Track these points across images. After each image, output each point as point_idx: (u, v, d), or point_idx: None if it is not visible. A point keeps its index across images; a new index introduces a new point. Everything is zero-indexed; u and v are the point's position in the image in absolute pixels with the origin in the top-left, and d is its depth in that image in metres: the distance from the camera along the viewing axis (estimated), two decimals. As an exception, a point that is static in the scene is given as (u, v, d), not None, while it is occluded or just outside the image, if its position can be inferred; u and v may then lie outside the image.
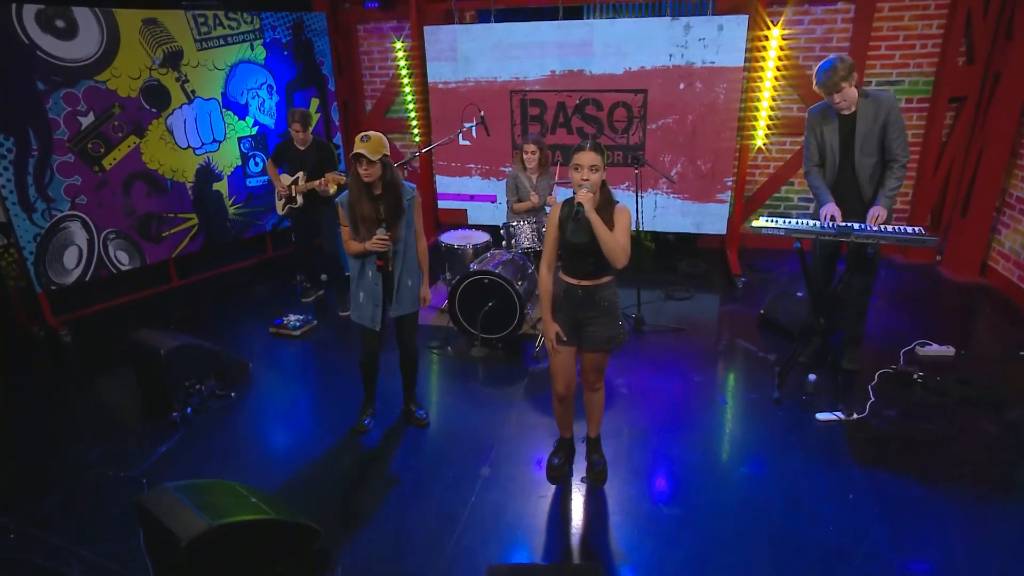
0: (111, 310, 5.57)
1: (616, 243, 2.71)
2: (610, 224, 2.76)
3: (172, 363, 3.87)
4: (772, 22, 5.53)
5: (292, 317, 5.16)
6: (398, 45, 6.64)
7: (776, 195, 6.54)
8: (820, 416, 3.70)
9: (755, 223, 3.75)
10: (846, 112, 3.67)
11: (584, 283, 2.90)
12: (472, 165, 6.66)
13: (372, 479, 3.38)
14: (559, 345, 3.00)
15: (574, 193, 2.76)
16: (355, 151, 3.13)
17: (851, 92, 3.57)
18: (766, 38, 5.56)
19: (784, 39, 5.72)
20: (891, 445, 3.48)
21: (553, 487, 3.26)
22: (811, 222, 3.70)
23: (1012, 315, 5.04)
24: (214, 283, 6.23)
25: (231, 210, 6.20)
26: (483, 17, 6.49)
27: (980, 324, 5.04)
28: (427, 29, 6.26)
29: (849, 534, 2.84)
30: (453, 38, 6.18)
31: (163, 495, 2.49)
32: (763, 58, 5.65)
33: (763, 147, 6.17)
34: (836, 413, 3.69)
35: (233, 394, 4.19)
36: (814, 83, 3.66)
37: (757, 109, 5.87)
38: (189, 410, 3.95)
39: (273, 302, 5.70)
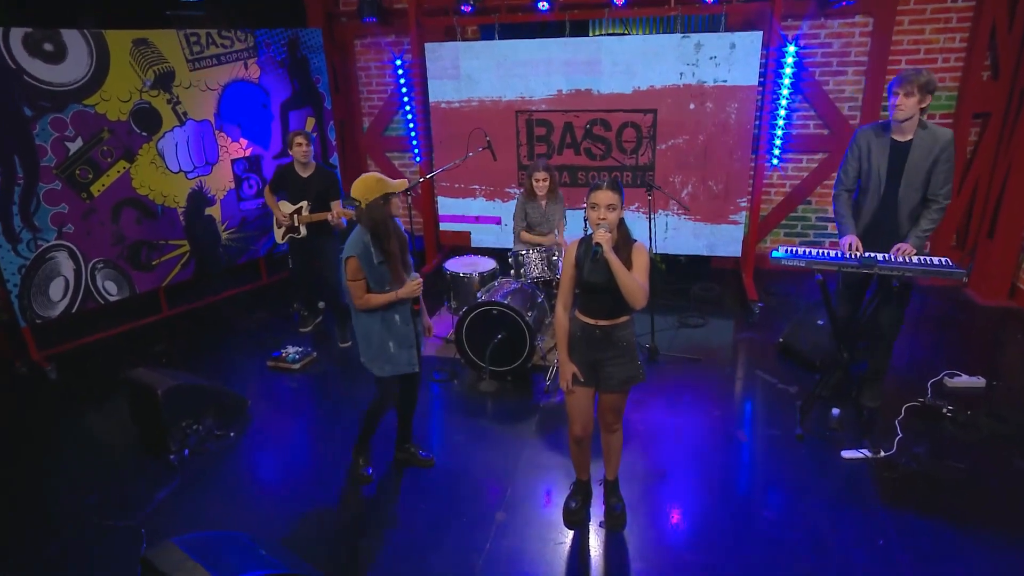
0: (98, 343, 5.66)
1: (636, 284, 2.82)
2: (628, 264, 2.87)
3: (169, 403, 3.97)
4: (787, 37, 5.69)
5: (291, 349, 5.25)
6: (398, 63, 6.80)
7: (792, 215, 6.67)
8: (845, 454, 3.79)
9: (775, 254, 3.85)
10: (899, 138, 3.70)
11: (602, 323, 3.00)
12: (476, 186, 6.80)
13: (380, 524, 3.46)
14: (575, 386, 3.10)
15: (587, 229, 2.88)
16: (389, 192, 3.26)
17: (915, 108, 3.56)
18: (782, 54, 5.72)
19: (800, 54, 5.88)
20: (921, 485, 3.56)
21: (571, 532, 3.34)
22: (833, 252, 3.81)
23: (1045, 341, 5.16)
24: (206, 312, 6.33)
25: (224, 235, 6.32)
26: (486, 33, 6.65)
27: (1011, 352, 5.15)
28: (428, 46, 6.42)
29: (881, 582, 2.93)
30: (455, 55, 6.35)
31: (171, 552, 2.57)
32: (779, 75, 5.80)
33: (778, 165, 6.32)
34: (862, 451, 3.79)
35: (232, 433, 4.28)
36: (892, 83, 3.64)
37: (773, 127, 6.01)
38: (187, 452, 4.04)
39: (270, 332, 5.80)
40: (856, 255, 3.72)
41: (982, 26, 5.69)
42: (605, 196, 2.83)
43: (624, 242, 2.93)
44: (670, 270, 6.91)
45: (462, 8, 6.21)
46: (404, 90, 6.96)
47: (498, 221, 6.84)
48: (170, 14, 6.20)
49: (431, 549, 3.25)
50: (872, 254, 3.70)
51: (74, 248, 5.32)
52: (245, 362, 5.34)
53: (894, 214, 3.82)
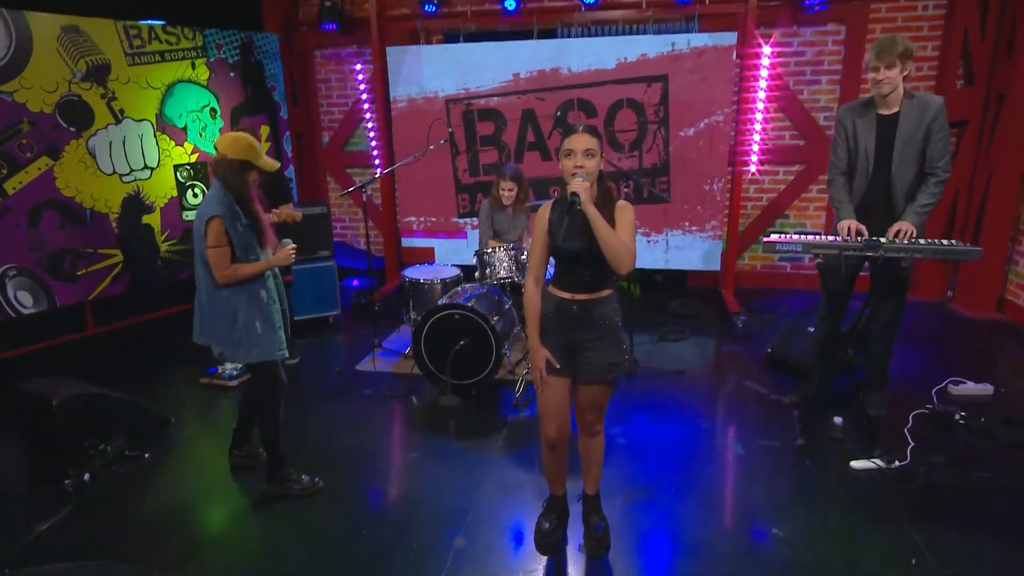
0: (7, 362, 4.91)
1: (620, 242, 2.31)
2: (611, 224, 2.37)
3: (68, 417, 3.29)
4: (761, 40, 5.42)
5: (228, 366, 4.58)
6: (358, 67, 6.37)
7: (771, 229, 6.30)
8: (855, 464, 3.28)
9: (767, 239, 3.40)
10: (885, 111, 3.36)
11: (579, 297, 2.48)
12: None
13: (318, 556, 2.80)
14: (550, 375, 2.54)
15: (565, 187, 2.38)
16: (252, 161, 2.87)
17: (899, 79, 3.25)
18: (756, 56, 5.43)
19: (773, 64, 5.61)
20: (945, 497, 3.05)
21: (544, 559, 2.73)
22: (831, 237, 3.37)
23: (1042, 351, 4.77)
24: (139, 331, 5.64)
25: (163, 247, 5.67)
26: (451, 39, 6.28)
27: (1008, 362, 4.74)
28: (390, 50, 6.01)
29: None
30: (417, 59, 5.93)
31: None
32: (754, 78, 5.50)
33: (756, 176, 5.98)
34: (874, 461, 3.27)
35: (147, 455, 3.58)
36: (867, 53, 3.31)
37: (749, 133, 5.68)
38: (87, 476, 3.32)
39: (209, 351, 5.11)
40: (857, 239, 3.27)
41: (954, 34, 5.50)
42: (581, 140, 2.35)
43: (605, 199, 2.43)
44: (645, 291, 6.43)
45: (425, 7, 5.83)
46: (365, 96, 6.51)
47: (463, 235, 6.31)
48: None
49: (374, 582, 2.61)
50: (876, 238, 3.26)
51: (-20, 251, 4.64)
52: (177, 379, 4.67)
53: (888, 194, 3.43)
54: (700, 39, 5.37)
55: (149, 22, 5.35)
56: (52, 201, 4.95)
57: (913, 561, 2.61)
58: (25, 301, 4.87)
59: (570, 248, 2.43)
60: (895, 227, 3.28)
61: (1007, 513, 2.94)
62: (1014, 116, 5.24)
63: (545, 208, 2.52)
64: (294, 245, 3.08)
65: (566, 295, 2.49)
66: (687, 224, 5.80)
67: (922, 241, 3.22)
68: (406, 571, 2.65)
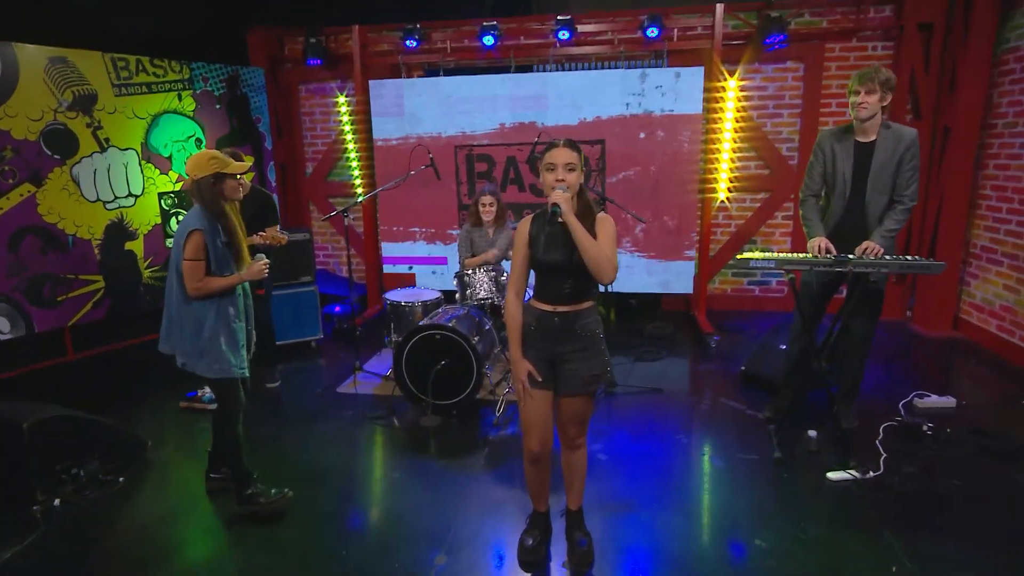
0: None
1: (601, 251, 2.22)
2: (592, 236, 2.28)
3: (38, 440, 3.07)
4: (727, 74, 5.48)
5: (208, 389, 4.37)
6: (341, 100, 6.31)
7: (738, 254, 6.28)
8: (832, 476, 3.18)
9: (741, 256, 3.35)
10: (862, 139, 3.35)
11: (560, 310, 2.38)
12: (416, 229, 6.19)
13: (292, 578, 2.60)
14: (532, 388, 2.42)
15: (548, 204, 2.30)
16: (220, 171, 2.78)
17: (877, 107, 3.24)
18: (723, 89, 5.48)
19: (739, 97, 5.68)
20: (920, 505, 2.96)
21: (527, 575, 2.57)
22: (803, 254, 3.33)
23: (996, 366, 4.77)
24: (120, 356, 5.39)
25: (146, 273, 5.47)
26: (431, 74, 6.25)
27: (966, 377, 4.72)
28: (372, 83, 5.95)
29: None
30: (399, 92, 5.89)
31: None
32: (721, 109, 5.55)
33: (725, 203, 5.99)
34: (849, 472, 3.17)
35: (122, 479, 3.35)
36: (853, 80, 3.29)
37: (718, 161, 5.71)
38: (57, 501, 3.09)
39: (190, 376, 4.88)
40: (827, 256, 3.23)
41: (902, 71, 5.61)
42: (562, 154, 2.28)
43: (586, 212, 2.35)
44: (620, 315, 6.35)
45: (406, 43, 5.81)
46: (348, 129, 6.43)
47: (443, 261, 6.21)
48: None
49: (353, 604, 2.42)
50: (845, 254, 3.22)
51: (-43, 276, 4.42)
52: (156, 403, 4.43)
53: (862, 218, 3.40)
54: (668, 73, 5.41)
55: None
56: (34, 227, 4.76)
57: (894, 569, 2.50)
58: (2, 327, 4.63)
59: (550, 260, 2.34)
60: (863, 245, 3.26)
61: (981, 518, 2.86)
62: (959, 147, 5.33)
63: (526, 222, 2.43)
64: (267, 260, 2.97)
65: (547, 307, 2.39)
66: (661, 247, 5.77)
67: (888, 257, 3.19)
68: (387, 591, 2.48)
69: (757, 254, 3.32)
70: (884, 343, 5.34)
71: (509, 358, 4.42)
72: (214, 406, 4.21)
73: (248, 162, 2.93)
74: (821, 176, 3.49)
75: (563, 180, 2.27)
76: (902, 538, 2.69)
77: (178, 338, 2.88)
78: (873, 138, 3.35)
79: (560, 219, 2.22)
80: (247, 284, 3.00)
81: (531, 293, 2.52)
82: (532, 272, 2.48)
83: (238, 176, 2.84)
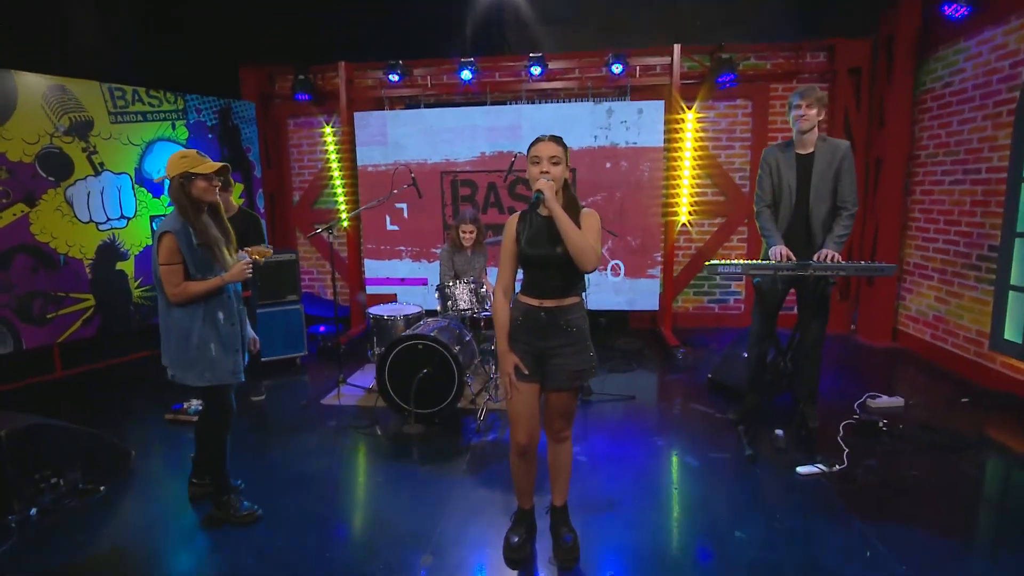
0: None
1: (584, 239, 2.10)
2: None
3: (16, 449, 2.78)
4: (685, 107, 5.52)
5: (194, 402, 4.09)
6: (328, 130, 6.17)
7: (700, 275, 6.27)
8: (801, 470, 3.06)
9: (710, 262, 3.27)
10: (802, 151, 3.35)
11: (547, 304, 2.24)
12: (402, 248, 6.04)
13: (276, 582, 2.35)
14: (519, 381, 2.26)
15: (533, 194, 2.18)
16: (187, 171, 2.52)
17: (815, 120, 3.27)
18: (682, 120, 5.50)
19: (697, 124, 5.72)
20: (884, 494, 2.86)
21: (514, 573, 2.36)
22: (767, 260, 3.27)
23: (932, 370, 4.76)
24: (108, 373, 5.04)
25: (136, 292, 5.17)
26: (412, 107, 6.17)
27: (908, 380, 4.70)
28: (357, 115, 5.84)
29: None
30: (383, 123, 5.78)
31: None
32: (680, 139, 5.57)
33: (686, 226, 5.97)
34: (816, 466, 3.06)
35: (103, 488, 3.05)
36: (794, 96, 3.31)
37: (679, 187, 5.71)
38: (34, 511, 2.78)
39: (177, 389, 4.56)
40: (787, 263, 3.17)
41: (837, 110, 5.74)
42: (547, 147, 2.17)
43: (571, 205, 2.23)
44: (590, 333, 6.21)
45: (389, 78, 5.73)
46: (334, 157, 6.28)
47: (424, 282, 6.04)
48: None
49: (339, 605, 2.18)
50: (805, 261, 3.17)
51: (-54, 293, 4.09)
52: (141, 416, 4.12)
53: (807, 223, 3.39)
54: (632, 108, 5.42)
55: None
56: (26, 246, 4.46)
57: (868, 553, 2.37)
58: (-12, 343, 4.29)
59: (535, 253, 2.21)
60: (821, 253, 3.22)
61: (939, 504, 2.77)
62: (890, 177, 5.44)
63: (513, 218, 2.31)
64: (249, 260, 2.70)
65: (534, 302, 2.25)
66: (627, 266, 5.71)
67: (843, 262, 3.14)
68: (374, 591, 2.25)
69: (725, 261, 3.24)
70: (833, 353, 5.30)
71: (488, 370, 4.31)
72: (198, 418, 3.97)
73: (218, 166, 2.60)
74: (771, 187, 3.47)
75: (548, 172, 2.16)
76: (872, 525, 2.57)
77: (165, 349, 2.62)
78: (811, 150, 3.36)
79: (544, 205, 2.09)
80: (238, 286, 2.76)
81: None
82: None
83: (213, 181, 2.58)
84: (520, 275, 2.35)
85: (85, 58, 5.07)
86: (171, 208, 2.61)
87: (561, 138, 2.22)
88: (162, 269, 2.48)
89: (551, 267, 2.20)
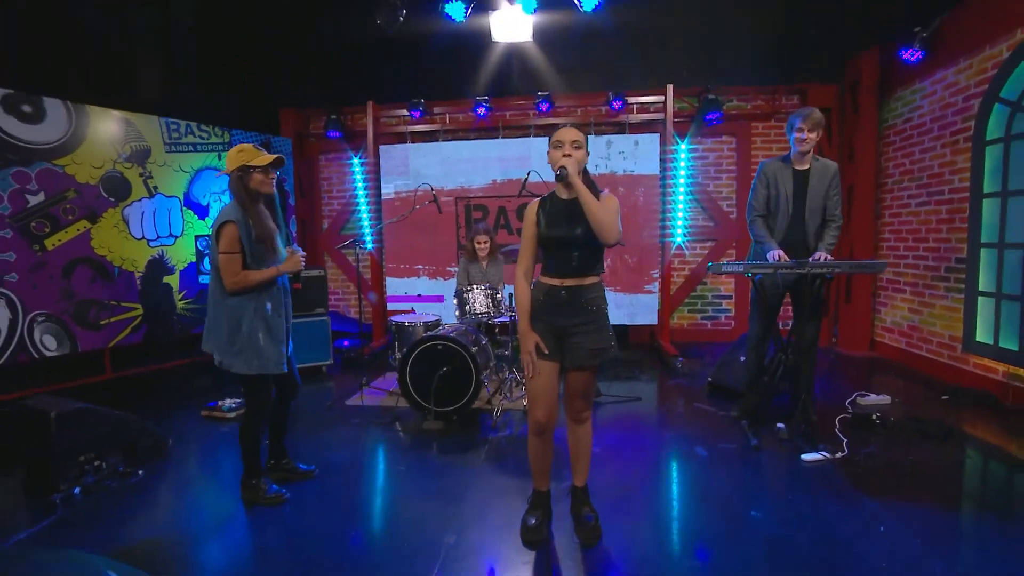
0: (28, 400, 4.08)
1: (604, 211, 2.00)
2: (595, 210, 2.06)
3: (65, 430, 2.62)
4: (679, 139, 5.50)
5: (229, 400, 3.94)
6: (355, 161, 6.16)
7: (693, 293, 6.14)
8: (806, 457, 2.88)
9: (713, 265, 3.14)
10: (799, 168, 3.30)
11: (568, 283, 2.12)
12: (420, 266, 5.94)
13: (309, 557, 2.16)
14: (540, 360, 2.11)
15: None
16: (246, 164, 2.42)
17: (814, 142, 3.22)
18: (675, 152, 5.48)
19: (690, 154, 5.69)
20: (888, 476, 2.68)
21: (531, 553, 2.16)
22: (768, 260, 3.16)
23: (911, 374, 4.59)
24: (152, 377, 4.88)
25: (180, 304, 5.06)
26: (431, 139, 6.16)
27: (888, 383, 4.50)
28: (382, 148, 5.84)
29: (913, 570, 1.91)
30: (405, 155, 5.78)
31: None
32: (674, 169, 5.53)
33: (681, 247, 5.88)
34: (820, 453, 2.87)
35: (141, 472, 2.88)
36: (794, 119, 3.24)
37: (675, 210, 5.64)
38: (78, 489, 2.60)
39: (214, 391, 4.41)
40: (786, 262, 3.07)
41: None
42: (569, 133, 2.10)
43: (591, 188, 2.14)
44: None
45: (412, 114, 5.76)
46: (361, 184, 6.26)
47: (440, 299, 5.92)
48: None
49: (368, 576, 1.99)
50: (802, 260, 3.06)
51: (14, 297, 3.97)
52: (179, 411, 3.95)
53: (803, 231, 3.30)
54: (629, 140, 5.41)
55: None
56: (86, 258, 4.37)
57: (882, 528, 2.18)
58: (49, 344, 4.16)
59: (555, 235, 2.11)
60: (816, 255, 3.13)
61: (940, 483, 2.60)
62: (861, 203, 5.38)
63: (533, 205, 2.22)
64: (303, 253, 2.60)
65: (555, 281, 2.13)
66: (626, 282, 5.58)
67: (837, 261, 3.04)
68: (400, 567, 2.05)
69: (728, 262, 3.12)
70: (818, 362, 5.11)
71: (503, 375, 4.14)
72: (233, 414, 3.82)
73: (273, 158, 2.50)
74: (765, 198, 3.39)
75: (569, 155, 2.08)
76: (881, 502, 2.38)
77: (214, 337, 2.47)
78: (807, 167, 3.30)
79: (568, 179, 2.00)
80: (285, 279, 2.63)
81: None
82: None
83: (270, 173, 2.49)
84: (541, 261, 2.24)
85: (148, 95, 5.12)
86: (227, 201, 2.50)
87: (582, 124, 2.14)
88: (222, 258, 2.35)
89: (571, 247, 2.09)
